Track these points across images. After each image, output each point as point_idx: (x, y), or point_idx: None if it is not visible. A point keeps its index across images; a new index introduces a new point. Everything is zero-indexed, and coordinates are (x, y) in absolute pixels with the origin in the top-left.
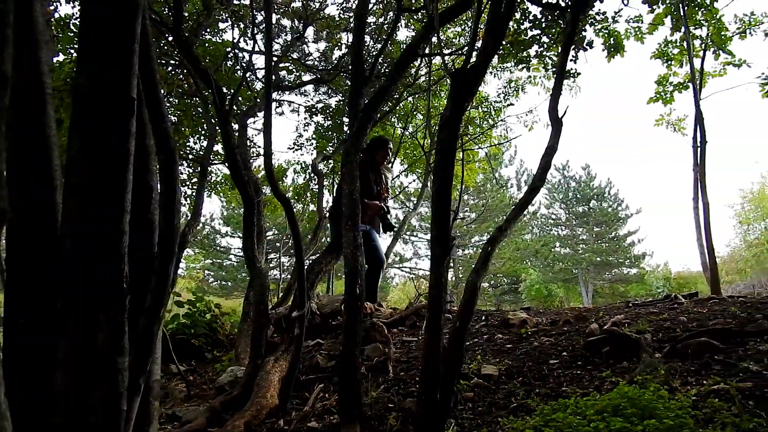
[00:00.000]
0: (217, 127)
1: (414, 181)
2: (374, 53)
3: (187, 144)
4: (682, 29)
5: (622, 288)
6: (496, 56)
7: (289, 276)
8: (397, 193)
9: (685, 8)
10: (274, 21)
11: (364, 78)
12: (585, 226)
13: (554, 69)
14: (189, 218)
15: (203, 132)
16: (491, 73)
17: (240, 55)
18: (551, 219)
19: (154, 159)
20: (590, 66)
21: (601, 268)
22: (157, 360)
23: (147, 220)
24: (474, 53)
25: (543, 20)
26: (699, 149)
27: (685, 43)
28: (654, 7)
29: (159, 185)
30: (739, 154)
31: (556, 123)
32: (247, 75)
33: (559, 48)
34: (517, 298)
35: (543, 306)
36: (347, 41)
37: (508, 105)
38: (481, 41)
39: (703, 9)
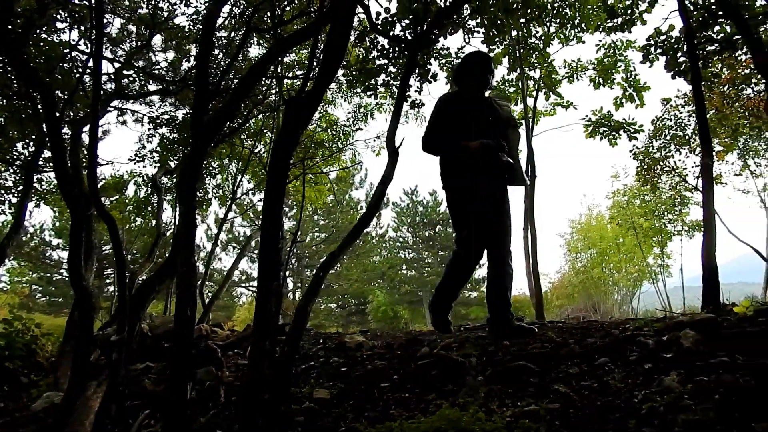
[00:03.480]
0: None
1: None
2: (224, 68)
3: (13, 149)
4: (518, 70)
5: (464, 310)
6: (345, 82)
7: None
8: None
9: (521, 51)
10: (119, 26)
11: (209, 93)
12: (431, 250)
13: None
14: (10, 228)
15: (34, 137)
16: (342, 97)
17: (80, 58)
18: (399, 242)
19: None
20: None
21: None
22: None
23: None
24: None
25: (390, 51)
26: (528, 183)
27: (520, 83)
28: (493, 47)
29: None
30: (568, 186)
31: (393, 153)
32: (86, 79)
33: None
34: (364, 319)
35: (389, 328)
36: (197, 53)
37: (357, 129)
38: (317, 69)
39: (536, 53)
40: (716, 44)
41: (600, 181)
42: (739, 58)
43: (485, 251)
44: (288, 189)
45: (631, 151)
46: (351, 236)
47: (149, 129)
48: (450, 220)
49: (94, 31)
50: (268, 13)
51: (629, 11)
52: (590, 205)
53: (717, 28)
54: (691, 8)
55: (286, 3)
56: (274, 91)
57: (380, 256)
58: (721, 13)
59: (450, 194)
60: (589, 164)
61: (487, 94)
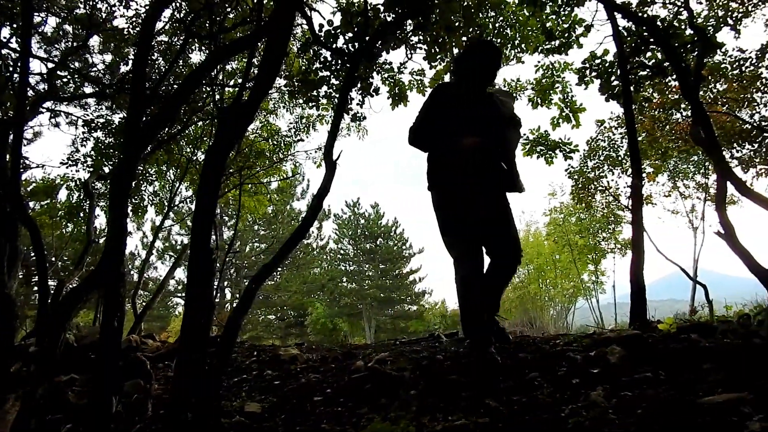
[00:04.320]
0: None
1: None
2: (163, 72)
3: None
4: None
5: (403, 324)
6: (287, 92)
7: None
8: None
9: None
10: (54, 25)
11: (146, 97)
12: (371, 263)
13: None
14: None
15: None
16: (284, 107)
17: (11, 56)
18: (340, 254)
19: None
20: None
21: (385, 304)
22: None
23: None
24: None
25: (333, 63)
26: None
27: None
28: (434, 63)
29: None
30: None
31: (331, 166)
32: (15, 78)
33: (353, 90)
34: (303, 331)
35: (328, 340)
36: (134, 56)
37: (299, 140)
38: (253, 80)
39: None
40: (647, 70)
41: (538, 198)
42: (669, 83)
43: (492, 256)
44: (227, 198)
45: (566, 170)
46: (285, 248)
47: (83, 132)
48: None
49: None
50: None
51: (566, 34)
52: (528, 222)
53: (648, 54)
54: (625, 34)
55: (228, 9)
56: (216, 98)
57: (320, 268)
58: (652, 40)
59: (435, 196)
60: (527, 182)
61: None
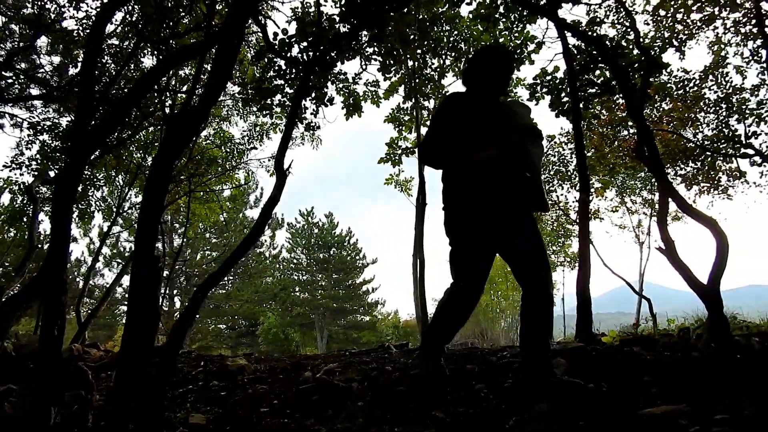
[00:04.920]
0: None
1: None
2: (113, 76)
3: None
4: (413, 99)
5: (356, 334)
6: (241, 100)
7: None
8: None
9: (416, 81)
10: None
11: (95, 100)
12: (324, 273)
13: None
14: None
15: None
16: (238, 114)
17: None
18: (293, 263)
19: None
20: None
21: (337, 314)
22: None
23: None
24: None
25: (287, 72)
26: (419, 209)
27: (414, 112)
28: (389, 75)
29: None
30: None
31: (281, 175)
32: None
33: (306, 100)
34: (254, 341)
35: (280, 351)
36: (83, 58)
37: (252, 148)
38: (203, 88)
39: (431, 83)
40: (596, 87)
41: None
42: (617, 101)
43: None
44: (178, 205)
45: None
46: (232, 258)
47: (29, 135)
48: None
49: None
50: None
51: (519, 50)
52: None
53: (597, 72)
54: (575, 52)
55: (183, 14)
56: (168, 104)
57: (273, 277)
58: (600, 59)
59: (453, 221)
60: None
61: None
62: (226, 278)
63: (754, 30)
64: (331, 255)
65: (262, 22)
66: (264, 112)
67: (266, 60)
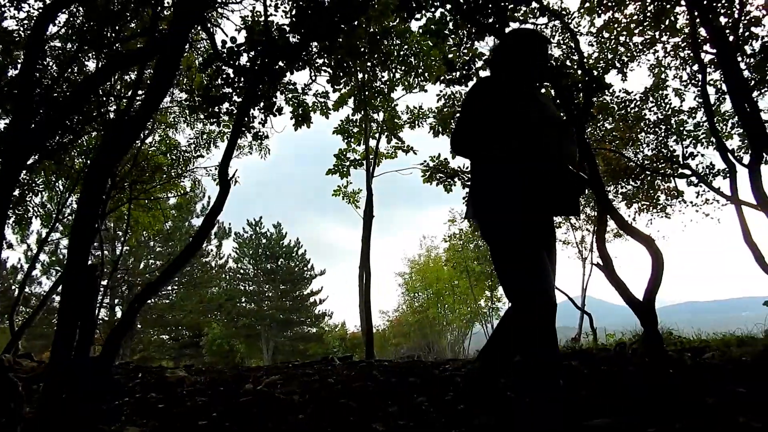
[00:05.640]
0: None
1: None
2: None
3: None
4: (362, 111)
5: (302, 346)
6: (187, 107)
7: None
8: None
9: (366, 93)
10: None
11: (34, 103)
12: (272, 283)
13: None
14: None
15: None
16: (185, 121)
17: None
18: (239, 273)
19: None
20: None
21: (284, 325)
22: None
23: None
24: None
25: (236, 80)
26: (366, 221)
27: (363, 124)
28: (338, 87)
29: None
30: (411, 227)
31: (224, 184)
32: None
33: (254, 109)
34: (198, 352)
35: (224, 362)
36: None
37: (198, 156)
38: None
39: (381, 96)
40: None
41: (439, 224)
42: None
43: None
44: (121, 212)
45: (464, 198)
46: (172, 268)
47: None
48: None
49: None
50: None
51: (467, 67)
52: (429, 247)
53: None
54: None
55: (129, 18)
56: (113, 108)
57: (219, 287)
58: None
59: (501, 194)
60: (430, 207)
61: None
62: (170, 288)
63: (692, 54)
64: (279, 265)
65: (211, 29)
66: (211, 120)
67: (214, 68)
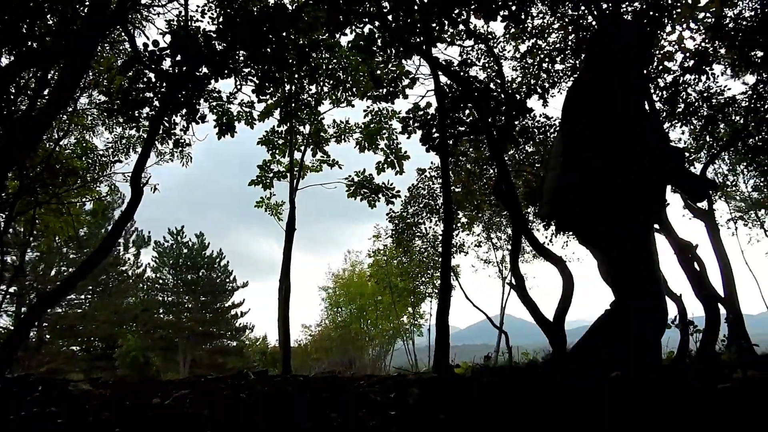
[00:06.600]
0: None
1: None
2: None
3: None
4: (288, 123)
5: (221, 359)
6: (106, 109)
7: None
8: None
9: (293, 105)
10: None
11: None
12: (192, 294)
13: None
14: None
15: None
16: (103, 125)
17: None
18: (158, 283)
19: None
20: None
21: (203, 338)
22: None
23: None
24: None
25: (158, 85)
26: (288, 234)
27: (289, 136)
28: (264, 97)
29: None
30: (334, 239)
31: (136, 191)
32: None
33: (176, 115)
34: (111, 364)
35: (138, 375)
36: None
37: (116, 161)
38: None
39: (307, 109)
40: (465, 126)
41: (364, 239)
42: (484, 140)
43: None
44: (31, 215)
45: (388, 214)
46: (73, 278)
47: None
48: None
49: None
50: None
51: (394, 84)
52: (354, 262)
53: (467, 111)
54: (447, 90)
55: (47, 13)
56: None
57: (136, 297)
58: (468, 99)
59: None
60: (356, 222)
61: None
62: (82, 297)
63: None
64: (200, 276)
65: (132, 31)
66: (131, 125)
67: (134, 71)
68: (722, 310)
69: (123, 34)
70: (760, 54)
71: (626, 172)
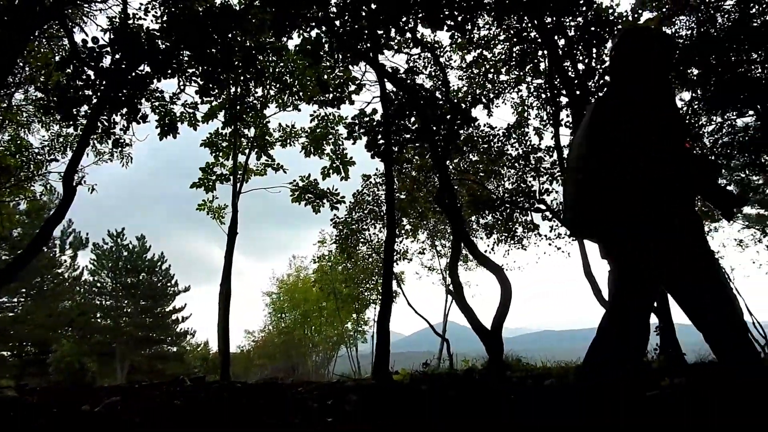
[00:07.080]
0: None
1: None
2: None
3: None
4: (233, 125)
5: (161, 366)
6: (42, 106)
7: None
8: None
9: (238, 107)
10: None
11: None
12: (131, 299)
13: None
14: None
15: None
16: (39, 122)
17: None
18: (96, 287)
19: None
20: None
21: (143, 343)
22: None
23: None
24: None
25: (97, 83)
26: (230, 238)
27: (233, 139)
28: (208, 99)
29: None
30: (279, 244)
31: (68, 190)
32: None
33: (117, 114)
34: (44, 370)
35: (72, 381)
36: None
37: (53, 160)
38: None
39: (253, 112)
40: (410, 133)
41: (309, 244)
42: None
43: None
44: None
45: (332, 219)
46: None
47: None
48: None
49: None
50: None
51: (340, 89)
52: (299, 267)
53: (413, 119)
54: (393, 97)
55: None
56: None
57: (72, 301)
58: (413, 107)
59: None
60: (302, 227)
61: None
62: (15, 299)
63: (550, 97)
64: (140, 280)
65: (70, 26)
66: (68, 123)
67: (72, 68)
68: (654, 320)
69: (61, 29)
70: (695, 72)
71: (661, 180)
